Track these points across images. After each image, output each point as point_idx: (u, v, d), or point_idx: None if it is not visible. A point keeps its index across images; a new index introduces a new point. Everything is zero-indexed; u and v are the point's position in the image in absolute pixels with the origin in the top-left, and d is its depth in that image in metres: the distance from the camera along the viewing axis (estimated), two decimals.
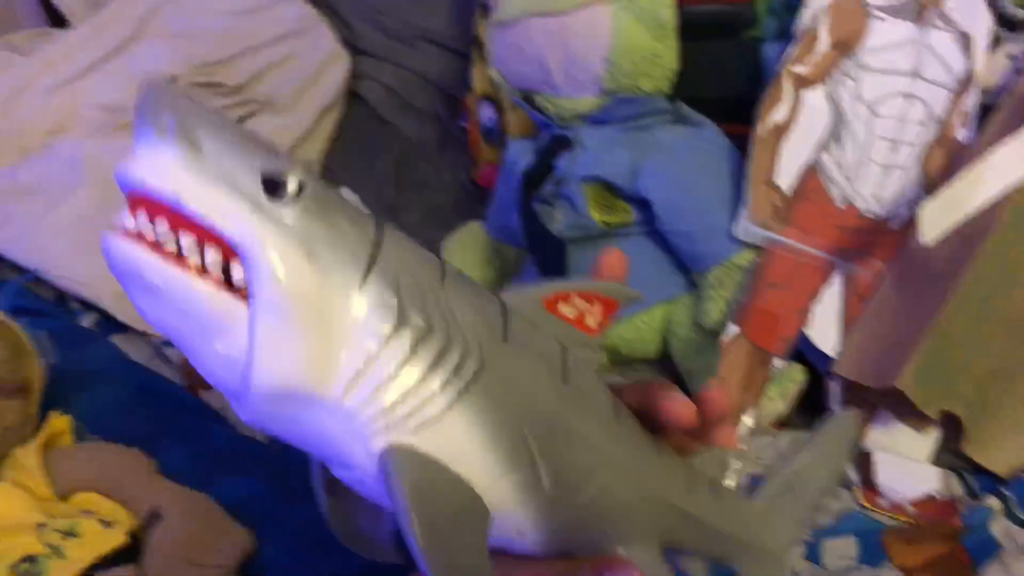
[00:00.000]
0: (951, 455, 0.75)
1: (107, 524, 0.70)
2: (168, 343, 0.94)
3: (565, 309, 0.40)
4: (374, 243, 0.33)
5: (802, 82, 0.79)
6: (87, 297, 0.96)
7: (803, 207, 0.79)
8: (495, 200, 0.97)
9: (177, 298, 0.30)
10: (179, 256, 0.30)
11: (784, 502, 0.50)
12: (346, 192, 1.13)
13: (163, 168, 0.30)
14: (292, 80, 1.15)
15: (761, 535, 0.49)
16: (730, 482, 0.48)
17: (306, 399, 0.31)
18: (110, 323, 0.97)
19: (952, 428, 0.75)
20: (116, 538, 0.69)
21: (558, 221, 0.84)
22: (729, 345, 0.78)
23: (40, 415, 0.77)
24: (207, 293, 0.30)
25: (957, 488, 0.75)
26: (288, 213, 0.31)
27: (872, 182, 0.79)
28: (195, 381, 0.92)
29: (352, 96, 1.20)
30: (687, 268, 0.84)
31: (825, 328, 0.78)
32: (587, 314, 0.40)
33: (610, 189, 0.83)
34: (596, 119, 0.82)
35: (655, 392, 0.41)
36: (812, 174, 0.79)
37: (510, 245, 0.97)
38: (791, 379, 0.78)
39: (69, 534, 0.68)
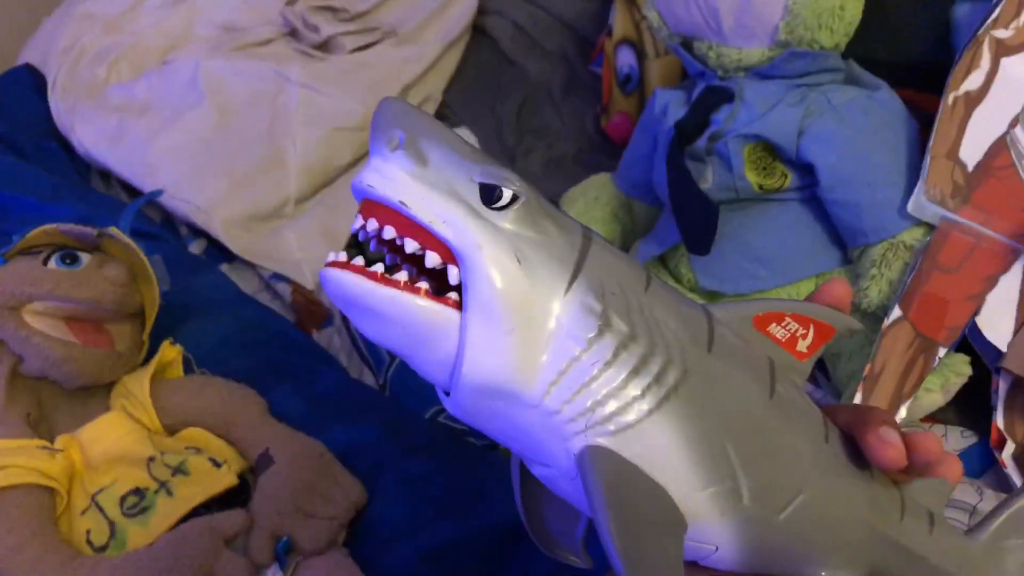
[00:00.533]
0: None
1: (217, 464, 0.67)
2: (278, 276, 0.90)
3: (776, 330, 0.39)
4: (581, 250, 0.34)
5: (1003, 48, 0.71)
6: (198, 223, 0.93)
7: (987, 185, 0.72)
8: (629, 151, 0.91)
9: (393, 314, 0.32)
10: (388, 276, 0.32)
11: (1010, 542, 0.45)
12: (464, 133, 1.08)
13: (392, 178, 0.33)
14: (417, 11, 1.10)
15: None
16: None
17: (509, 395, 0.33)
18: (218, 251, 0.94)
19: None
20: (226, 479, 0.66)
21: (707, 180, 0.78)
22: (889, 329, 0.71)
23: (149, 343, 0.73)
24: (420, 305, 0.32)
25: None
26: (502, 219, 0.33)
27: None
28: (305, 320, 0.88)
29: (478, 32, 1.14)
30: (843, 240, 0.77)
31: (998, 318, 0.71)
32: (799, 338, 0.39)
33: (769, 150, 0.76)
34: (762, 72, 0.76)
35: (866, 423, 0.39)
36: (1002, 149, 0.72)
37: (642, 201, 0.91)
38: (956, 371, 0.71)
39: (179, 471, 0.66)
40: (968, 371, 0.72)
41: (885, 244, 0.74)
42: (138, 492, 0.64)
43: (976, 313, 0.71)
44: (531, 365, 0.33)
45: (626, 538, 0.31)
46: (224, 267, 0.92)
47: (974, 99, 0.72)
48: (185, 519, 0.63)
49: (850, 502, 0.39)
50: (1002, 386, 0.71)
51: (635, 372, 0.33)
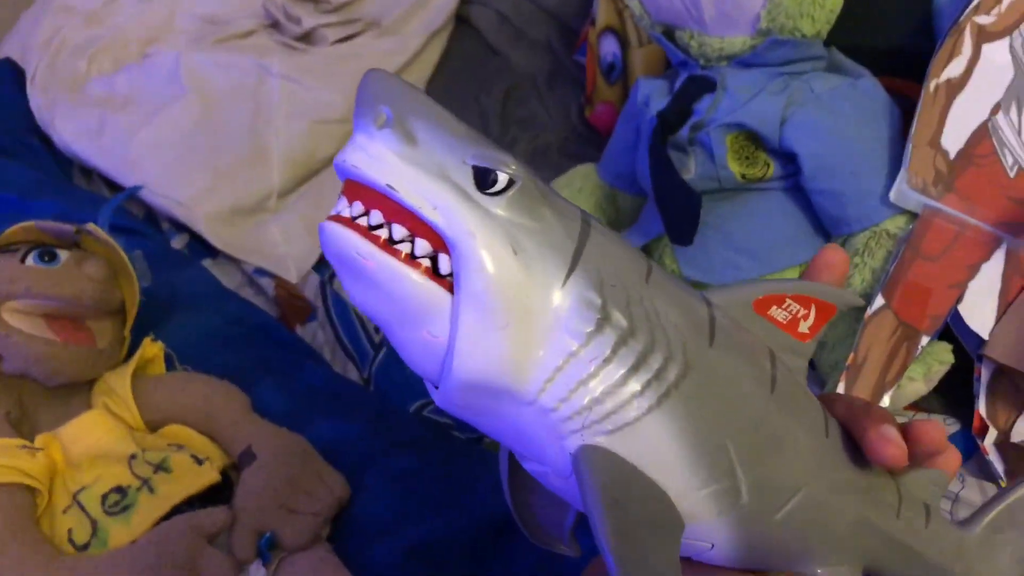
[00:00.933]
0: None
1: (199, 460, 0.66)
2: (261, 271, 0.89)
3: (777, 313, 0.37)
4: (579, 239, 0.33)
5: (985, 35, 0.71)
6: (180, 218, 0.92)
7: (969, 173, 0.71)
8: (613, 142, 0.90)
9: (387, 284, 0.31)
10: (390, 244, 0.31)
11: (1004, 535, 0.45)
12: None
13: (378, 158, 0.31)
14: (400, 1, 1.09)
15: (974, 570, 0.43)
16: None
17: (502, 392, 0.31)
18: (201, 246, 0.93)
19: None
20: (208, 476, 0.66)
21: (690, 170, 0.77)
22: (872, 318, 0.71)
23: (131, 340, 0.73)
24: (415, 281, 0.31)
25: None
26: (497, 205, 0.31)
27: None
28: (289, 315, 0.88)
29: (461, 22, 1.13)
30: (826, 230, 0.77)
31: (980, 306, 0.71)
32: (801, 319, 0.38)
33: (752, 139, 0.76)
34: (744, 61, 0.75)
35: (865, 420, 0.38)
36: (984, 137, 0.71)
37: (626, 192, 0.91)
38: (938, 359, 0.71)
39: (160, 468, 0.65)
40: (950, 359, 0.72)
41: (868, 233, 0.73)
42: (120, 490, 0.63)
43: (958, 301, 0.71)
44: (526, 361, 0.31)
45: (622, 542, 0.30)
46: (207, 262, 0.92)
47: (955, 86, 0.71)
48: (167, 516, 0.62)
49: (848, 498, 0.38)
50: (984, 374, 0.71)
51: (634, 368, 0.32)
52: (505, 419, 0.33)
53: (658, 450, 0.32)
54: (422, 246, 0.31)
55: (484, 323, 0.30)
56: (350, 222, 0.31)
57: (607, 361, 0.31)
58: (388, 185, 0.31)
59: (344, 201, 0.32)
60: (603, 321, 0.32)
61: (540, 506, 0.41)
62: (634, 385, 0.32)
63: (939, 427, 0.38)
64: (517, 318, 0.31)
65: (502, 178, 0.31)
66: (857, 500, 0.38)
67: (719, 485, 0.33)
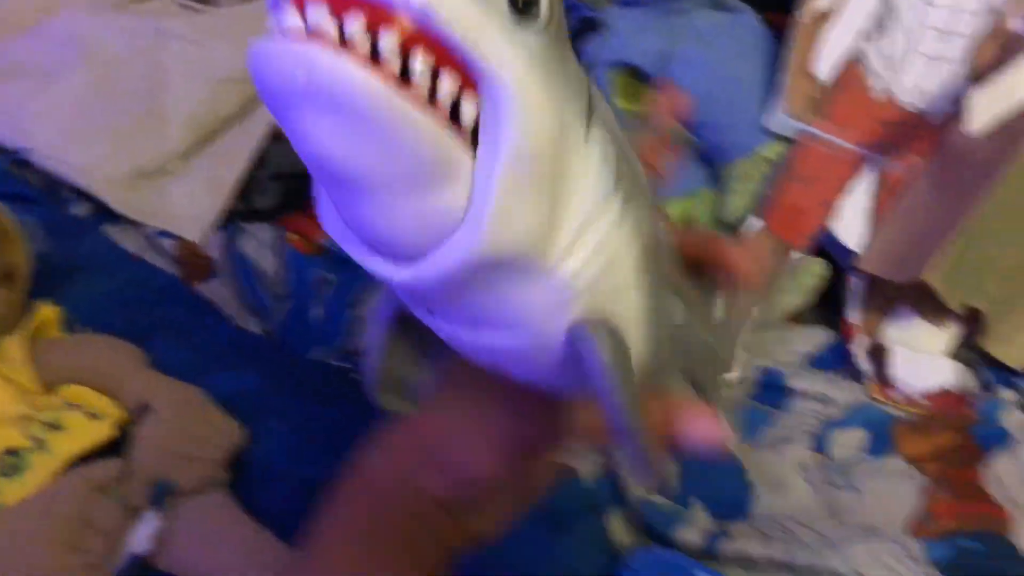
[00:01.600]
0: (967, 350, 0.73)
1: (94, 417, 0.67)
2: (163, 233, 0.89)
3: None
4: (588, 84, 0.28)
5: None
6: (78, 183, 0.91)
7: (840, 98, 0.74)
8: None
9: (387, 129, 0.23)
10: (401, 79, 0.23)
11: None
12: None
13: None
14: None
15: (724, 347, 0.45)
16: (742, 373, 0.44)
17: (517, 266, 0.27)
18: (102, 213, 0.93)
19: (972, 323, 0.72)
20: (102, 431, 0.66)
21: None
22: (749, 237, 0.74)
23: (28, 306, 0.73)
24: (433, 130, 0.23)
25: (971, 382, 0.72)
26: (535, 41, 0.25)
27: (916, 74, 0.73)
28: (191, 274, 0.88)
29: None
30: (710, 161, 0.79)
31: (851, 223, 0.74)
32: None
33: (638, 76, 0.77)
34: (628, 1, 0.76)
35: (718, 246, 0.39)
36: (852, 64, 0.73)
37: None
38: (811, 273, 0.75)
39: (54, 427, 0.65)
40: (823, 272, 0.75)
41: (747, 160, 0.76)
42: (13, 452, 0.64)
43: (831, 219, 0.74)
44: (550, 229, 0.26)
45: (632, 404, 0.30)
46: (108, 227, 0.91)
47: (825, 16, 0.73)
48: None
49: (692, 316, 0.38)
50: (857, 284, 0.74)
51: (635, 230, 0.29)
52: (496, 296, 0.28)
53: (626, 303, 0.31)
54: (448, 84, 0.24)
55: (518, 183, 0.25)
56: (341, 46, 0.22)
57: (617, 225, 0.29)
58: (424, 6, 0.22)
59: (321, 9, 0.23)
60: (618, 181, 0.28)
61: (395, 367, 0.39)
62: (631, 246, 0.30)
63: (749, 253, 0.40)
64: (549, 179, 0.26)
65: (544, 9, 0.25)
66: (699, 318, 0.39)
67: (649, 326, 0.33)
